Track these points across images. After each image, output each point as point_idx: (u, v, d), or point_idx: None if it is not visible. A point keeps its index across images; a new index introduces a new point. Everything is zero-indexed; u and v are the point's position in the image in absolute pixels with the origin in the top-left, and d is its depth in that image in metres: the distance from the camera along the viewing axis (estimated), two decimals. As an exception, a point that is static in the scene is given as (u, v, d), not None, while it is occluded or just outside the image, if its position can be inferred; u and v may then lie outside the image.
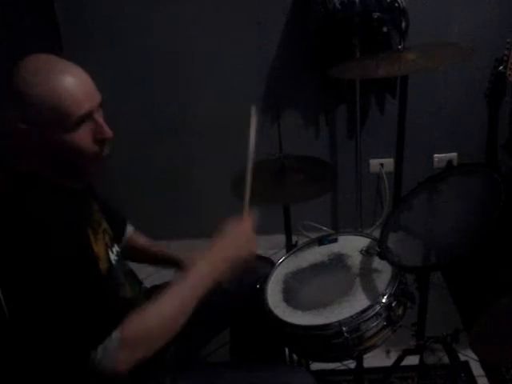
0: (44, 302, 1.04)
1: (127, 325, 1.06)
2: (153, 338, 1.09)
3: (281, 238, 2.05)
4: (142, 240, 1.57)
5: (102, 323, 1.06)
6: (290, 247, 1.88)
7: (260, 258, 1.70)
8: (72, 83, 1.10)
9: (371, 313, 1.31)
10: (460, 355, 1.66)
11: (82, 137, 1.13)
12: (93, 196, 1.34)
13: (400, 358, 1.73)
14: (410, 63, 1.69)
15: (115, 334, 1.04)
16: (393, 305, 1.34)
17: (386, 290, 1.36)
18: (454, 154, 2.64)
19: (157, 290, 1.52)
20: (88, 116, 1.13)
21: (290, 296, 1.46)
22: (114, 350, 1.03)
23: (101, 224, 1.29)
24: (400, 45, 1.77)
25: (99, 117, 1.16)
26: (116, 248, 1.33)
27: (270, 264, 1.63)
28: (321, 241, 1.66)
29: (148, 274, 1.75)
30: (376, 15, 2.22)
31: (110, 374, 1.04)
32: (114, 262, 1.26)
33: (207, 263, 1.20)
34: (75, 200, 1.20)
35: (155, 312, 1.11)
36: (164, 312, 1.11)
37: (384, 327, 1.33)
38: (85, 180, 1.25)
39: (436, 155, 2.65)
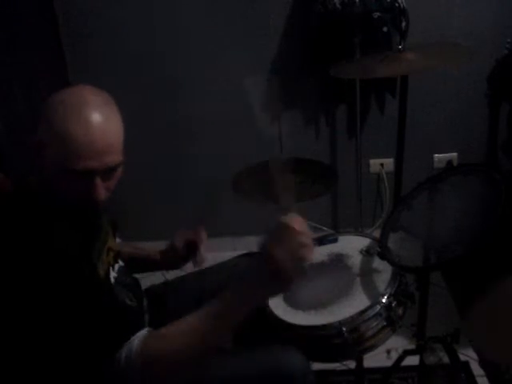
0: (45, 325, 1.03)
1: (146, 345, 1.03)
2: (168, 362, 1.04)
3: (281, 238, 2.05)
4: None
5: (113, 333, 1.05)
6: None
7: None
8: (85, 135, 1.04)
9: (371, 313, 1.31)
10: (460, 355, 1.66)
11: (69, 187, 1.08)
12: (103, 207, 1.33)
13: (400, 358, 1.73)
14: (410, 63, 1.69)
15: (136, 350, 1.02)
16: (393, 305, 1.34)
17: (386, 290, 1.36)
18: (454, 154, 2.64)
19: (156, 290, 1.54)
20: (85, 173, 1.06)
21: (290, 296, 1.46)
22: (136, 363, 1.01)
23: (106, 242, 1.28)
24: (400, 45, 1.77)
25: (99, 179, 1.09)
26: (120, 264, 1.32)
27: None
28: (321, 241, 1.66)
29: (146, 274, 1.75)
30: (376, 15, 2.22)
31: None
32: (112, 280, 1.25)
33: (240, 289, 1.06)
34: (83, 221, 1.17)
35: (173, 339, 1.05)
36: (182, 340, 1.05)
37: (384, 327, 1.33)
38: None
39: (436, 155, 2.65)
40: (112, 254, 1.28)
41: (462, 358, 1.83)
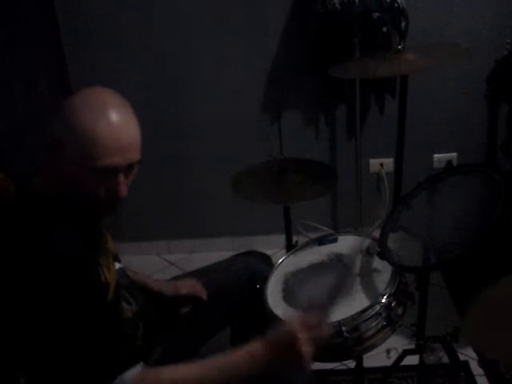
0: (51, 335, 1.03)
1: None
2: None
3: (281, 238, 2.05)
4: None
5: (112, 354, 1.05)
6: (290, 247, 1.88)
7: (261, 256, 1.71)
8: (110, 133, 1.06)
9: (371, 312, 1.31)
10: (460, 355, 1.66)
11: (93, 186, 1.10)
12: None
13: (400, 358, 1.73)
14: (410, 63, 1.69)
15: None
16: (392, 305, 1.34)
17: (385, 289, 1.36)
18: (453, 154, 2.64)
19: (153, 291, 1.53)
20: (109, 171, 1.08)
21: (290, 296, 1.46)
22: None
23: (107, 243, 1.28)
24: (400, 45, 1.77)
25: (122, 175, 1.11)
26: (117, 265, 1.31)
27: (270, 264, 1.63)
28: (321, 241, 1.66)
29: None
30: (376, 15, 2.22)
31: None
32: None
33: (246, 356, 1.10)
34: (89, 226, 1.18)
35: None
36: None
37: (384, 327, 1.33)
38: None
39: (436, 155, 2.65)
40: (111, 256, 1.28)
41: (462, 357, 1.84)
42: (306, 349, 1.08)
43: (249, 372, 1.09)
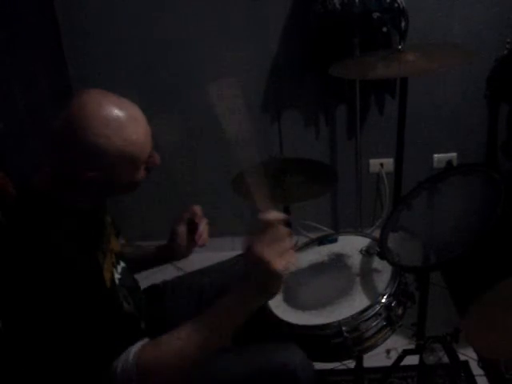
0: (49, 325, 1.03)
1: (143, 354, 1.05)
2: (165, 372, 1.05)
3: (281, 238, 2.05)
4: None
5: (111, 341, 1.06)
6: (290, 247, 1.88)
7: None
8: (139, 131, 1.11)
9: (371, 313, 1.31)
10: (460, 355, 1.66)
11: (142, 174, 1.17)
12: (105, 208, 1.33)
13: (400, 358, 1.73)
14: (410, 64, 1.69)
15: (133, 359, 1.03)
16: (392, 305, 1.34)
17: (385, 289, 1.36)
18: (453, 154, 2.64)
19: (155, 289, 1.53)
20: (147, 158, 1.16)
21: (289, 296, 1.46)
22: (132, 373, 1.03)
23: (110, 242, 1.28)
24: (400, 45, 1.77)
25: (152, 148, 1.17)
26: (122, 265, 1.32)
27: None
28: (321, 241, 1.66)
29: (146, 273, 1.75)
30: (376, 15, 2.22)
31: None
32: (117, 281, 1.25)
33: (234, 294, 1.09)
34: (87, 222, 1.18)
35: (169, 347, 1.06)
36: (179, 348, 1.06)
37: (384, 327, 1.33)
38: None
39: (436, 155, 2.65)
40: (114, 255, 1.28)
41: (462, 357, 1.84)
42: (278, 261, 1.02)
43: (243, 309, 1.08)
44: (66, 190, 1.13)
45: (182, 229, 1.40)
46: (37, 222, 1.09)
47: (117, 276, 1.26)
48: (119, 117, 1.08)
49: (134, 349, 1.05)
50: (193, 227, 1.39)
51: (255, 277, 1.05)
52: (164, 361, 1.04)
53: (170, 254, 1.45)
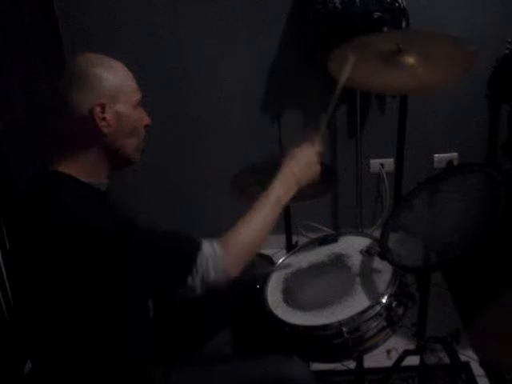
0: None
1: (224, 242, 1.22)
2: (247, 249, 1.25)
3: (281, 238, 2.05)
4: None
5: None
6: (290, 247, 1.88)
7: (261, 256, 1.71)
8: (127, 72, 1.33)
9: (371, 313, 1.31)
10: (461, 355, 1.66)
11: (139, 116, 1.25)
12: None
13: (400, 359, 1.73)
14: (410, 68, 1.67)
15: (218, 251, 1.20)
16: (393, 305, 1.34)
17: (386, 290, 1.36)
18: (454, 154, 2.64)
19: None
20: (139, 102, 1.26)
21: (290, 296, 1.46)
22: (222, 260, 1.19)
23: None
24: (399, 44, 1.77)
25: None
26: None
27: (271, 263, 1.63)
28: (321, 241, 1.66)
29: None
30: (376, 15, 2.22)
31: (221, 278, 1.19)
32: None
33: (282, 184, 1.33)
34: (104, 200, 1.24)
35: (246, 230, 1.27)
36: (252, 228, 1.27)
37: (384, 327, 1.33)
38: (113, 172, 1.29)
39: (436, 155, 2.65)
40: None
41: (463, 358, 1.83)
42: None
43: (287, 194, 1.34)
44: (81, 163, 1.18)
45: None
46: (58, 196, 1.12)
47: None
48: (109, 59, 1.27)
49: (214, 242, 1.22)
50: None
51: (301, 167, 1.36)
52: (246, 238, 1.25)
53: None
